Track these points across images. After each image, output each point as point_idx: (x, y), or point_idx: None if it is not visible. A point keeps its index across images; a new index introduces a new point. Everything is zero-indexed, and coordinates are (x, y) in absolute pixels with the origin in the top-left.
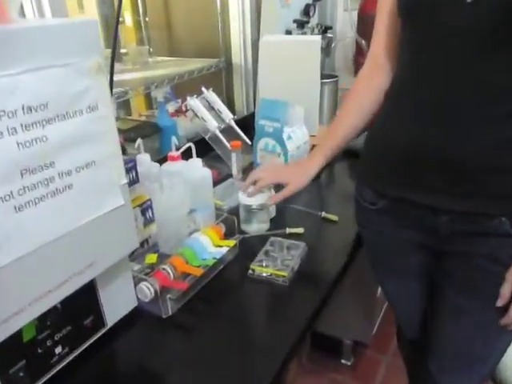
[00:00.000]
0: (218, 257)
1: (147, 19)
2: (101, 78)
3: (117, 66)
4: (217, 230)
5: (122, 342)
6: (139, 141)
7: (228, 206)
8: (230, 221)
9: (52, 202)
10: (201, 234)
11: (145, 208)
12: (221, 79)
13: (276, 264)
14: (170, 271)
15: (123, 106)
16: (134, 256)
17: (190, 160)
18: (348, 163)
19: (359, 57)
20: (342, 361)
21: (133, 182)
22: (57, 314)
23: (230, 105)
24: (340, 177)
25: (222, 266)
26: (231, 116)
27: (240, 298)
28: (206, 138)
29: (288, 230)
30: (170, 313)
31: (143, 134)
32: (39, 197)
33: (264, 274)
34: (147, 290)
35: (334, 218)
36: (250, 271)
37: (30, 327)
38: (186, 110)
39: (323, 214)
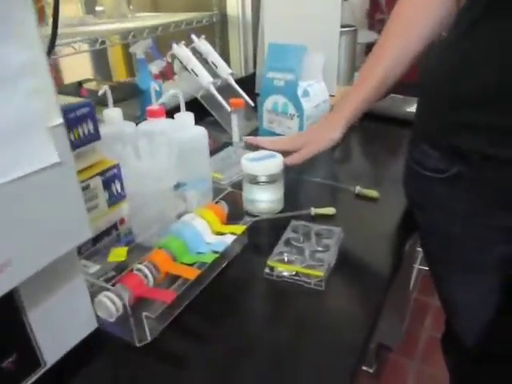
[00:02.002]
0: (220, 249)
1: None
2: None
3: (87, 18)
4: (217, 211)
5: None
6: (105, 87)
7: (228, 181)
8: (235, 198)
9: None
10: (194, 217)
11: (109, 178)
12: (213, 35)
13: (304, 259)
14: (148, 273)
15: (101, 70)
16: (90, 251)
17: (177, 115)
18: (376, 126)
19: (375, 12)
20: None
21: (89, 139)
22: None
23: None
24: (369, 141)
25: (225, 263)
26: (229, 71)
27: (253, 310)
28: (198, 96)
29: (313, 211)
30: (149, 338)
31: (119, 97)
32: None
33: (287, 274)
34: (111, 304)
35: (374, 194)
36: (267, 270)
37: None
38: (174, 74)
39: (357, 188)
